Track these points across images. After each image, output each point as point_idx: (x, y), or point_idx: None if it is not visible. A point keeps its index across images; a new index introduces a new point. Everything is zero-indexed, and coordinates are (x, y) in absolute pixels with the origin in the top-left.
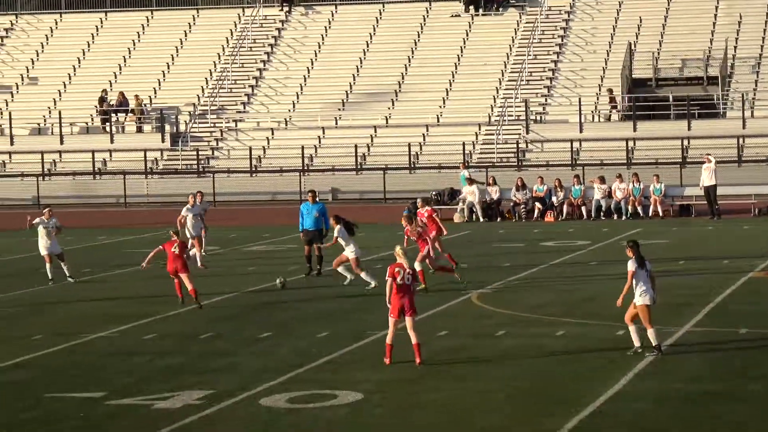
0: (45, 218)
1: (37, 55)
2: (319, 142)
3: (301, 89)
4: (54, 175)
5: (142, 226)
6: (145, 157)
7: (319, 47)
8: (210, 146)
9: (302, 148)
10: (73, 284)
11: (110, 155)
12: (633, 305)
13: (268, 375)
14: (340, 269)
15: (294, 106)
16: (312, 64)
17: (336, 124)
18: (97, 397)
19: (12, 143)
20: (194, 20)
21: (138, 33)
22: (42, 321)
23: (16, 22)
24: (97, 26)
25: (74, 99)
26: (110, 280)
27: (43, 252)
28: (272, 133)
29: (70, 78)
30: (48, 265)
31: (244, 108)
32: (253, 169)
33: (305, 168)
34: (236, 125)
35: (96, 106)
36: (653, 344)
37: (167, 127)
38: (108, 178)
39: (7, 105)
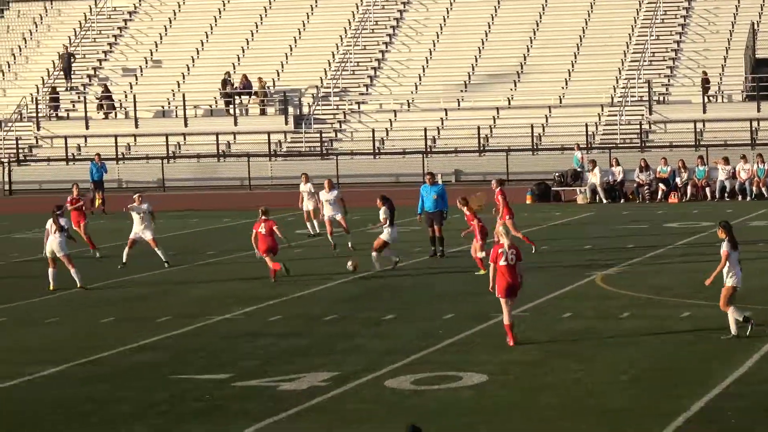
0: (136, 203)
1: (161, 38)
2: (442, 123)
3: (424, 71)
4: (178, 158)
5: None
6: (269, 139)
7: (441, 28)
8: (333, 128)
9: (425, 129)
10: (193, 267)
11: (234, 138)
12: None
13: (393, 357)
14: (383, 253)
15: (416, 88)
16: (434, 45)
17: (458, 105)
18: (223, 379)
19: (137, 126)
20: (317, 2)
21: (261, 15)
22: (168, 303)
23: (140, 5)
24: (219, 9)
25: (198, 82)
26: (235, 261)
27: (131, 236)
28: (395, 115)
29: (193, 60)
30: (127, 249)
31: (367, 90)
32: (376, 151)
33: (428, 150)
34: (359, 107)
35: (219, 89)
36: (740, 319)
37: (290, 110)
38: (232, 161)
39: (131, 88)
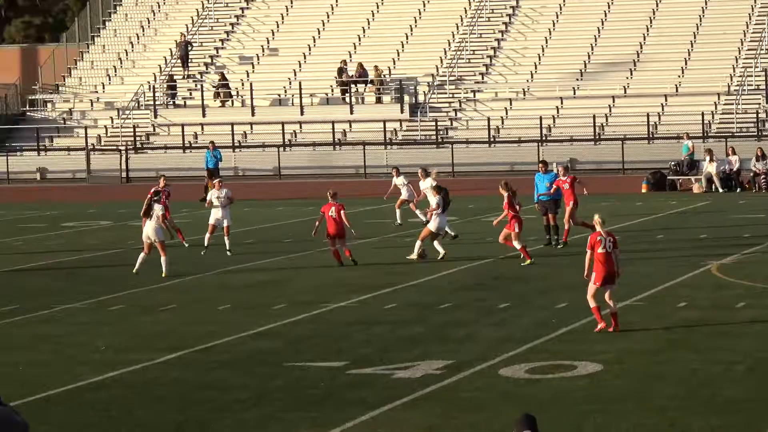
0: (216, 190)
1: (277, 26)
2: (557, 112)
3: (539, 59)
4: (294, 146)
5: (381, 196)
6: (385, 127)
7: (557, 16)
8: (448, 117)
9: (540, 118)
10: (309, 255)
11: (350, 126)
12: None
13: (508, 345)
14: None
15: (532, 76)
16: (550, 33)
17: (574, 94)
18: (338, 367)
19: (253, 114)
20: None
21: (377, 3)
22: (284, 290)
23: None
24: None
25: (314, 70)
26: (360, 249)
27: (211, 221)
28: (510, 104)
29: (309, 49)
30: (208, 235)
31: (483, 78)
32: (491, 139)
33: (543, 138)
34: (474, 95)
35: (335, 77)
36: None
37: (406, 98)
38: (347, 149)
39: (248, 76)
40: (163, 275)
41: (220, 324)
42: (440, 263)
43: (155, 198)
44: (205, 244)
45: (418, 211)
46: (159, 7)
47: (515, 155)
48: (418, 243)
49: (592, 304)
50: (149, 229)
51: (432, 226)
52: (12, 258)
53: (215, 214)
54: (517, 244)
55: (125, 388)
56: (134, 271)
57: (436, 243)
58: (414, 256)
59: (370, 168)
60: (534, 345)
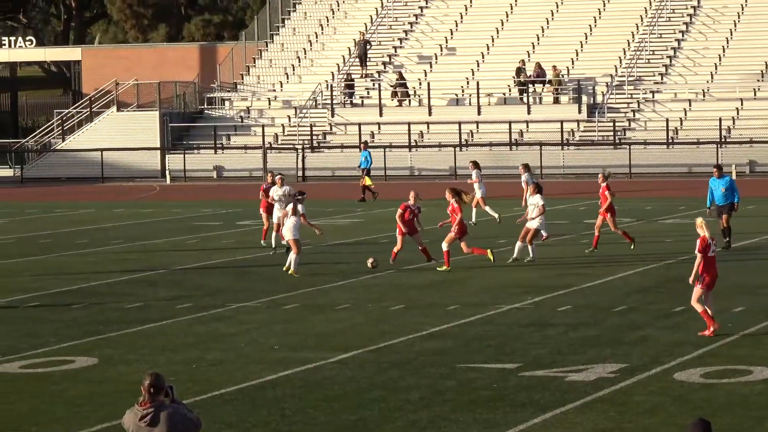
0: (277, 186)
1: (456, 26)
2: (737, 113)
3: (720, 59)
4: (471, 146)
5: (558, 197)
6: (562, 128)
7: (739, 16)
8: (627, 118)
9: (719, 119)
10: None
11: (527, 126)
12: None
13: (683, 349)
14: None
15: (712, 77)
16: (731, 34)
17: (755, 95)
18: (510, 368)
19: (430, 114)
20: None
21: (556, 3)
22: (458, 291)
23: None
24: None
25: (492, 70)
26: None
27: (274, 220)
28: (689, 104)
29: (488, 48)
30: (274, 234)
31: (662, 79)
32: (670, 140)
33: (722, 140)
34: (653, 96)
35: (513, 77)
36: None
37: (584, 98)
38: (524, 149)
39: (425, 75)
40: (290, 272)
41: (393, 324)
42: (616, 265)
43: (299, 197)
44: (273, 245)
45: (488, 208)
46: (338, 5)
47: (693, 157)
48: (519, 244)
49: (699, 308)
50: (287, 227)
51: (535, 225)
52: (188, 256)
53: (278, 213)
54: (444, 246)
55: (298, 387)
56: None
57: (527, 245)
58: (517, 255)
59: (546, 168)
60: (709, 349)
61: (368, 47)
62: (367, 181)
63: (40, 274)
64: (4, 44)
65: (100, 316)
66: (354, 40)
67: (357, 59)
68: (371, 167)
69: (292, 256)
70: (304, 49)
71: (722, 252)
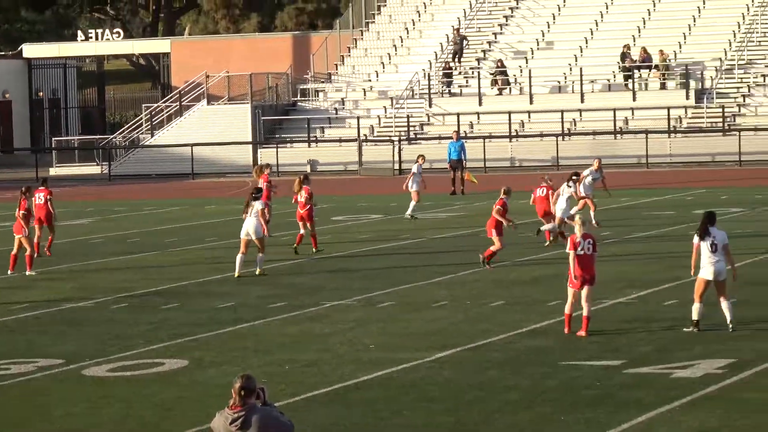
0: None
1: (558, 10)
2: None
3: None
4: (573, 135)
5: (664, 187)
6: (668, 115)
7: None
8: (736, 103)
9: None
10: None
11: (632, 113)
12: None
13: None
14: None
15: None
16: None
17: None
18: (615, 366)
19: (531, 102)
20: None
21: None
22: (559, 286)
23: None
24: None
25: (595, 56)
26: (632, 242)
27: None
28: None
29: (591, 33)
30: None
31: None
32: None
33: None
34: (765, 80)
35: (618, 63)
36: None
37: (692, 84)
38: (629, 138)
39: (526, 62)
40: (257, 273)
41: (492, 321)
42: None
43: (256, 194)
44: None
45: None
46: None
47: None
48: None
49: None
50: (249, 227)
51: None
52: (280, 253)
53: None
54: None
55: (394, 388)
56: (236, 275)
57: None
58: None
59: (653, 157)
60: None
61: (465, 43)
62: (470, 176)
63: (129, 274)
64: (91, 37)
65: (190, 317)
66: (452, 27)
67: (452, 53)
68: (466, 158)
69: (259, 257)
70: (401, 37)
71: None
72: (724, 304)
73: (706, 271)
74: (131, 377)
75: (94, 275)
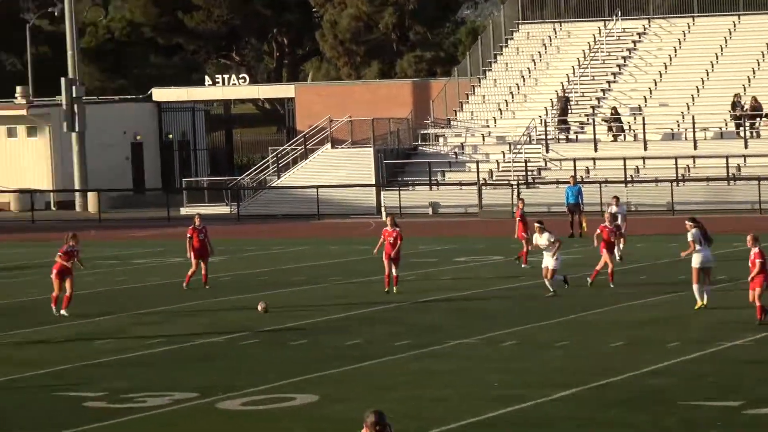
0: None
1: (670, 60)
2: None
3: None
4: (688, 181)
5: None
6: None
7: None
8: None
9: None
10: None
11: (744, 160)
12: None
13: None
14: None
15: None
16: None
17: None
18: (734, 406)
19: (645, 148)
20: None
21: None
22: (677, 327)
23: (649, 26)
24: (730, 29)
25: (707, 103)
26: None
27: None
28: None
29: (702, 82)
30: None
31: None
32: None
33: None
34: None
35: (729, 111)
36: None
37: None
38: (742, 184)
39: (640, 110)
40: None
41: (613, 361)
42: None
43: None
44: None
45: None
46: (551, 40)
47: None
48: (695, 287)
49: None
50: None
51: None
52: (405, 293)
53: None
54: None
55: (516, 427)
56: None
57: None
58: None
59: (766, 204)
60: None
61: (568, 104)
62: (584, 224)
63: (258, 311)
64: (218, 82)
65: (318, 354)
66: (556, 92)
67: (557, 112)
68: (583, 203)
69: None
70: (517, 84)
71: None
72: None
73: None
74: (264, 411)
75: (223, 312)
